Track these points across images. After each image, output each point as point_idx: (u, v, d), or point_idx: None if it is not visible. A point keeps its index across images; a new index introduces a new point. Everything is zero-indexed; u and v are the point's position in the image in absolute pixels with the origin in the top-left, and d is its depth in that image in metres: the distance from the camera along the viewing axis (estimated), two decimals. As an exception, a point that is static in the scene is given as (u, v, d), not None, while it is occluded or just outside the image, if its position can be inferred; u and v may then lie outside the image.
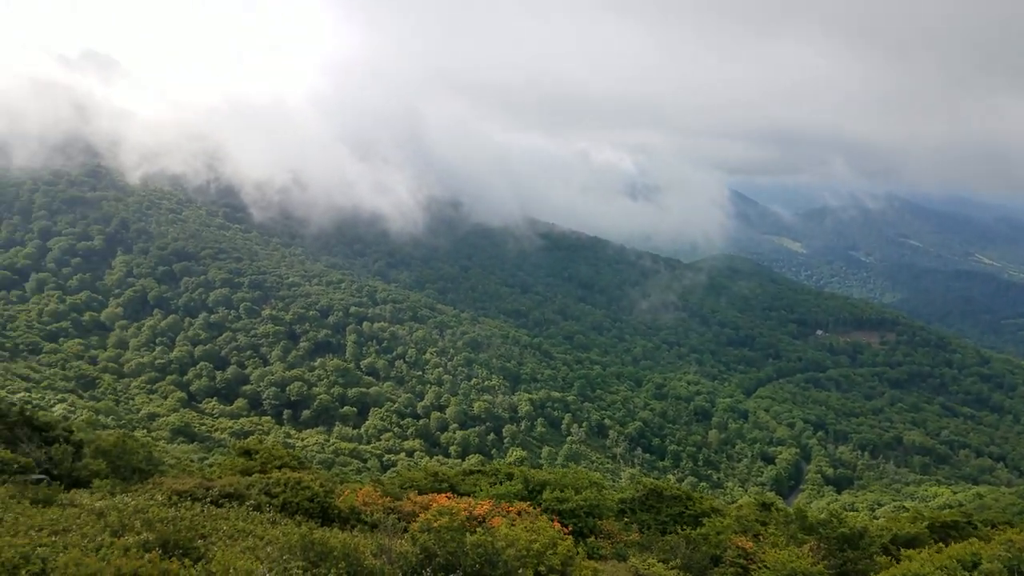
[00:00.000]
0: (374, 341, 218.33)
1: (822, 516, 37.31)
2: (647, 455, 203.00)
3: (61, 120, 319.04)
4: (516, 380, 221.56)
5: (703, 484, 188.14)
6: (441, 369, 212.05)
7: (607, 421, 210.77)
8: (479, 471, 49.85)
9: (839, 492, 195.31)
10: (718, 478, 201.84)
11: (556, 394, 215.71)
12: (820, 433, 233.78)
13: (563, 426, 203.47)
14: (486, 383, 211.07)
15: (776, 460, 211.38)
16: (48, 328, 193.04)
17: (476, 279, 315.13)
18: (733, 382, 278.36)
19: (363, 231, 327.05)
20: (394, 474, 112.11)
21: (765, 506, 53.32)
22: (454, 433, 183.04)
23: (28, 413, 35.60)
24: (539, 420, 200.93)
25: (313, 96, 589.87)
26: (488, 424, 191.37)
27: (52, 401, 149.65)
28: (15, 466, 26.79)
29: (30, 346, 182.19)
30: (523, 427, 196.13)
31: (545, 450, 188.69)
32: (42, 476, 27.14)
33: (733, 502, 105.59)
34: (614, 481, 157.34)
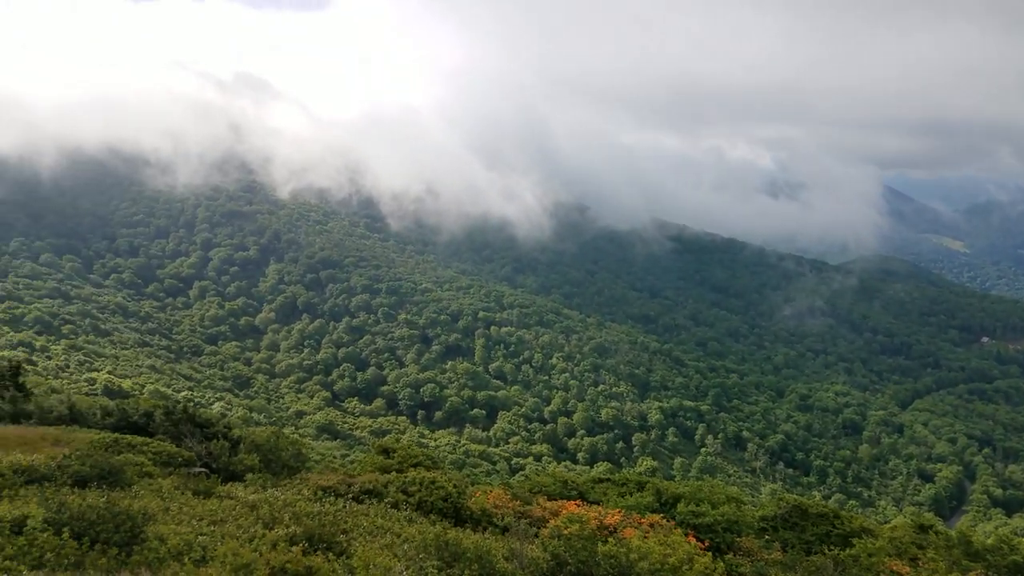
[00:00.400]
0: (501, 345, 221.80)
1: (989, 541, 33.50)
2: (790, 470, 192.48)
3: (219, 140, 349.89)
4: (645, 387, 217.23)
5: (852, 502, 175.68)
6: (568, 374, 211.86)
7: (745, 433, 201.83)
8: (608, 479, 49.00)
9: (1009, 515, 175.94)
10: (869, 496, 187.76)
11: (689, 403, 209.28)
12: (987, 450, 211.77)
13: (696, 437, 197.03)
14: (614, 389, 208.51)
15: (935, 478, 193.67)
16: (209, 332, 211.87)
17: (602, 283, 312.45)
18: (887, 393, 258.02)
19: (491, 237, 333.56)
20: (523, 478, 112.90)
21: (923, 528, 48.71)
22: (582, 439, 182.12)
23: (191, 410, 38.86)
24: (670, 430, 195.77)
25: (440, 107, 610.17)
26: (616, 431, 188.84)
27: (211, 399, 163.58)
28: (180, 459, 29.26)
29: (193, 348, 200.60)
30: (653, 436, 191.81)
31: (677, 461, 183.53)
32: (203, 469, 29.43)
33: (886, 522, 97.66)
34: (753, 496, 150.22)
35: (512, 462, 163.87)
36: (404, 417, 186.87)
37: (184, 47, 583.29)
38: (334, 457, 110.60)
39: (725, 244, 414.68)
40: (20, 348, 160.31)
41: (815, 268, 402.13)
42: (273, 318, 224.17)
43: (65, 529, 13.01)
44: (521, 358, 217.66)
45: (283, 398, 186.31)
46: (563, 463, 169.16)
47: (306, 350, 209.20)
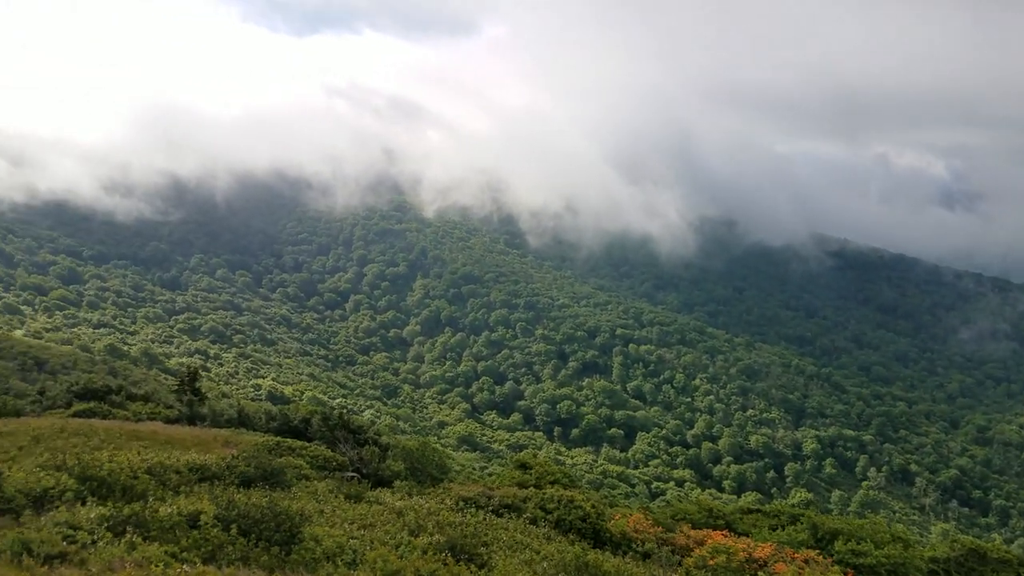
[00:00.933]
0: (640, 364, 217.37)
1: None
2: (964, 509, 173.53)
3: (373, 163, 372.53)
4: (800, 414, 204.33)
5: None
6: (712, 397, 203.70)
7: (913, 466, 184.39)
8: (758, 510, 46.38)
9: None
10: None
11: (849, 432, 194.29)
12: None
13: (857, 469, 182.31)
14: (764, 415, 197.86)
15: None
16: (362, 342, 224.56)
17: (752, 301, 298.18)
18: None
19: (630, 253, 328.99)
20: (663, 503, 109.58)
21: None
22: (728, 467, 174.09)
23: (345, 417, 41.08)
24: (828, 460, 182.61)
25: (581, 121, 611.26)
26: (767, 460, 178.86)
27: (362, 407, 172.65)
28: (334, 464, 30.88)
29: (347, 358, 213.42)
30: (808, 466, 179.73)
31: (835, 494, 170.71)
32: (354, 474, 30.87)
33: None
34: (922, 536, 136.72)
35: (652, 486, 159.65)
36: (540, 433, 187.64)
37: (344, 77, 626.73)
38: (473, 469, 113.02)
39: (893, 260, 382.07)
40: (196, 355, 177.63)
41: (997, 287, 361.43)
42: (419, 331, 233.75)
43: (233, 526, 14.01)
44: (661, 378, 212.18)
45: (426, 408, 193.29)
46: (707, 490, 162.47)
47: (448, 362, 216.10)
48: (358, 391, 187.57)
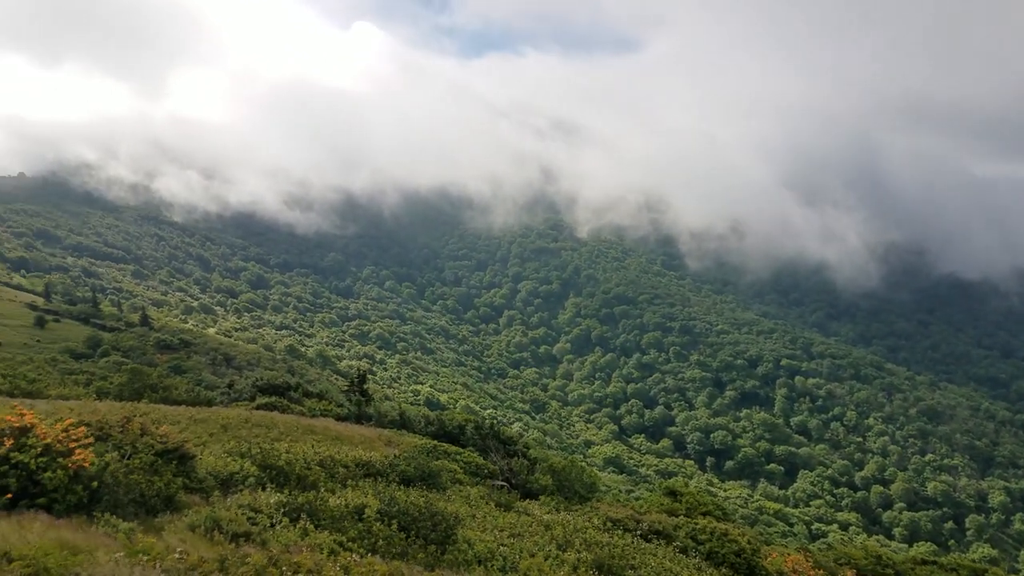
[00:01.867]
0: (807, 398, 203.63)
1: None
2: None
3: (531, 183, 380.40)
4: (987, 462, 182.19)
5: None
6: (887, 438, 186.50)
7: None
8: (934, 562, 41.86)
9: None
10: None
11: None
12: None
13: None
14: (945, 461, 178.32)
15: None
16: (513, 357, 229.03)
17: (939, 337, 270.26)
18: None
19: (802, 280, 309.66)
20: (825, 546, 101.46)
21: None
22: (900, 513, 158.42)
23: (496, 428, 41.93)
24: (1018, 515, 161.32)
25: (753, 141, 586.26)
26: (945, 509, 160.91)
27: (511, 419, 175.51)
28: (485, 471, 31.58)
29: (499, 371, 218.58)
30: (994, 520, 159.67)
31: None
32: (504, 483, 31.39)
33: None
34: None
35: (812, 527, 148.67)
36: (691, 461, 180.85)
37: (508, 97, 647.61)
38: (619, 491, 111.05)
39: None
40: (364, 359, 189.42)
41: None
42: (569, 348, 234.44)
43: (394, 521, 14.71)
44: (830, 414, 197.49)
45: (573, 426, 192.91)
46: (875, 536, 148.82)
47: (597, 382, 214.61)
48: (508, 403, 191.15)
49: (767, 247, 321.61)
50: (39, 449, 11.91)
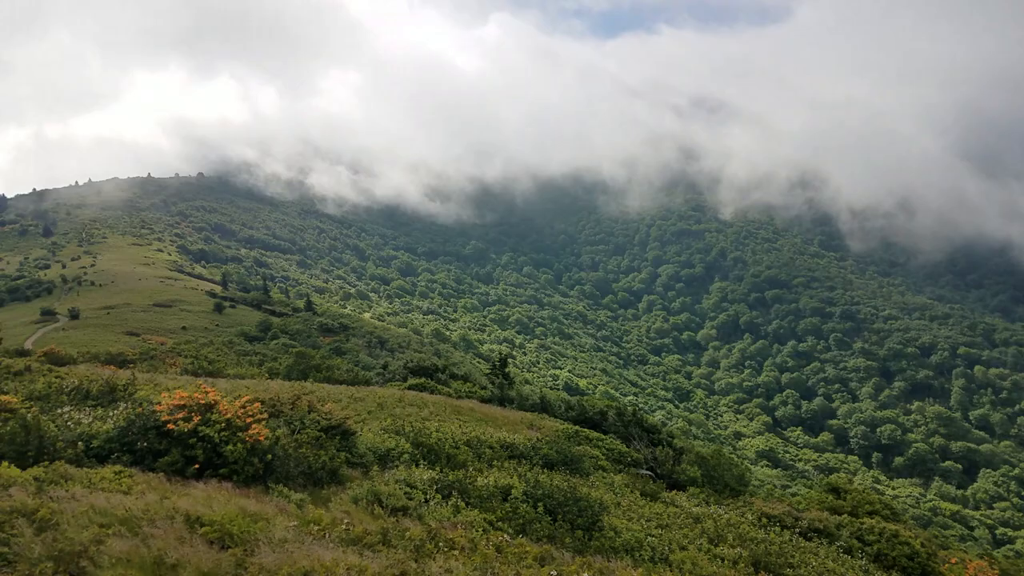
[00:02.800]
0: (988, 389, 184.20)
1: None
2: None
3: (669, 164, 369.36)
4: None
5: None
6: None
7: None
8: None
9: None
10: None
11: None
12: None
13: None
14: None
15: None
16: (654, 343, 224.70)
17: None
18: None
19: (981, 260, 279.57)
20: (1013, 553, 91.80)
21: None
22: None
23: (639, 415, 41.28)
24: None
25: (923, 111, 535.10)
26: None
27: (653, 406, 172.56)
28: (629, 459, 31.17)
29: (639, 357, 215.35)
30: None
31: None
32: (648, 472, 30.85)
33: None
34: None
35: (996, 532, 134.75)
36: (855, 457, 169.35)
37: (643, 77, 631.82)
38: (774, 485, 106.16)
39: None
40: (504, 344, 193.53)
41: None
42: (714, 335, 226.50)
43: (539, 504, 14.85)
44: (1016, 408, 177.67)
45: (721, 416, 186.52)
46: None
47: (747, 371, 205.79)
48: (649, 391, 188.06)
49: (940, 225, 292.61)
50: (222, 424, 13.09)
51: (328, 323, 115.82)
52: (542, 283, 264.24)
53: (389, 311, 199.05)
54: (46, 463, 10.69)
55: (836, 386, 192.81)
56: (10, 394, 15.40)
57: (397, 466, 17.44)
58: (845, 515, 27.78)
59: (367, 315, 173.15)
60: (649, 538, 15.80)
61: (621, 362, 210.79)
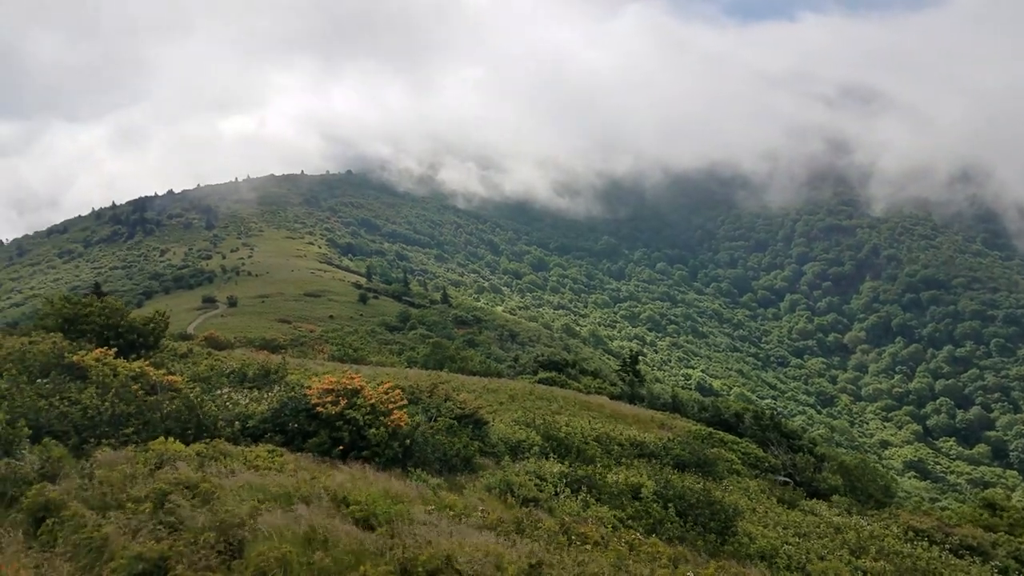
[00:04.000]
0: None
1: None
2: None
3: (815, 157, 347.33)
4: None
5: None
6: None
7: None
8: None
9: None
10: None
11: None
12: None
13: None
14: None
15: None
16: (795, 345, 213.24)
17: None
18: None
19: None
20: None
21: None
22: None
23: (777, 419, 39.50)
24: None
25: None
26: None
27: (793, 411, 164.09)
28: (765, 464, 29.94)
29: (779, 359, 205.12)
30: None
31: None
32: (786, 479, 29.50)
33: None
34: None
35: None
36: (1014, 472, 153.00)
37: (785, 67, 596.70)
38: (922, 498, 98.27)
39: None
40: (635, 341, 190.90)
41: None
42: (863, 338, 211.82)
43: (671, 505, 14.66)
44: None
45: (867, 424, 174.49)
46: None
47: (897, 376, 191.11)
48: (789, 394, 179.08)
49: None
50: (366, 408, 13.95)
51: (462, 315, 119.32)
52: (676, 279, 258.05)
53: (520, 305, 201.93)
54: (207, 440, 11.81)
55: (996, 395, 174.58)
56: (176, 375, 17.13)
57: (527, 458, 17.79)
58: (1002, 533, 25.31)
59: (499, 308, 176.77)
60: (786, 546, 15.20)
61: (759, 363, 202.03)
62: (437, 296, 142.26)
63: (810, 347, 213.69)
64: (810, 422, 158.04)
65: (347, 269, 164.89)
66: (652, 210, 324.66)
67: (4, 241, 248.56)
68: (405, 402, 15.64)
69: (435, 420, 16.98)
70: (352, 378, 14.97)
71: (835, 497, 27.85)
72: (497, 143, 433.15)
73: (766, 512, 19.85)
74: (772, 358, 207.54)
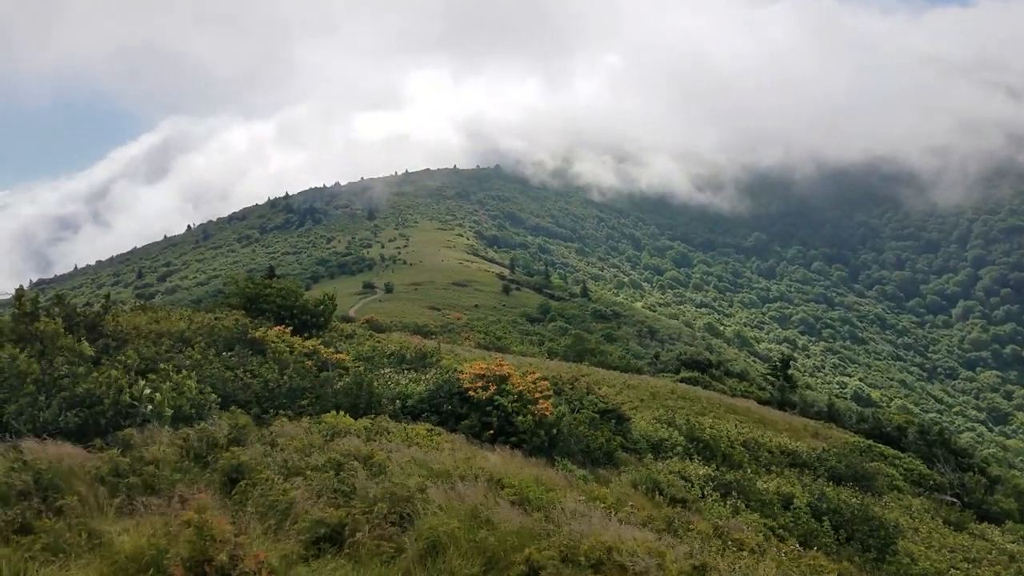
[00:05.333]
0: None
1: None
2: None
3: (992, 152, 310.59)
4: None
5: None
6: None
7: None
8: None
9: None
10: None
11: None
12: None
13: None
14: None
15: None
16: (967, 356, 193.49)
17: None
18: None
19: None
20: None
21: None
22: None
23: (945, 435, 36.21)
24: None
25: None
26: None
27: (960, 427, 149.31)
28: (930, 482, 27.63)
29: (947, 370, 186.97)
30: None
31: None
32: (953, 500, 27.06)
33: None
34: None
35: None
36: None
37: (965, 54, 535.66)
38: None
39: None
40: (784, 344, 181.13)
41: None
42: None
43: (825, 518, 13.96)
44: None
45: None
46: None
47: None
48: (956, 409, 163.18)
49: None
50: (514, 396, 14.38)
51: (601, 310, 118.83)
52: (834, 280, 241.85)
53: (660, 301, 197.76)
54: (372, 416, 12.68)
55: None
56: (343, 354, 18.42)
57: (670, 457, 17.57)
58: None
59: (639, 304, 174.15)
60: (952, 570, 14.09)
61: (925, 375, 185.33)
62: (577, 289, 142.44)
63: (984, 359, 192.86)
64: (980, 440, 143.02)
65: (492, 260, 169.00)
66: (804, 205, 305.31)
67: (192, 225, 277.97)
68: (551, 392, 15.94)
69: (577, 412, 17.16)
70: (501, 365, 15.47)
71: (1009, 523, 25.37)
72: (634, 135, 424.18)
73: (930, 533, 18.46)
74: (940, 369, 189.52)
